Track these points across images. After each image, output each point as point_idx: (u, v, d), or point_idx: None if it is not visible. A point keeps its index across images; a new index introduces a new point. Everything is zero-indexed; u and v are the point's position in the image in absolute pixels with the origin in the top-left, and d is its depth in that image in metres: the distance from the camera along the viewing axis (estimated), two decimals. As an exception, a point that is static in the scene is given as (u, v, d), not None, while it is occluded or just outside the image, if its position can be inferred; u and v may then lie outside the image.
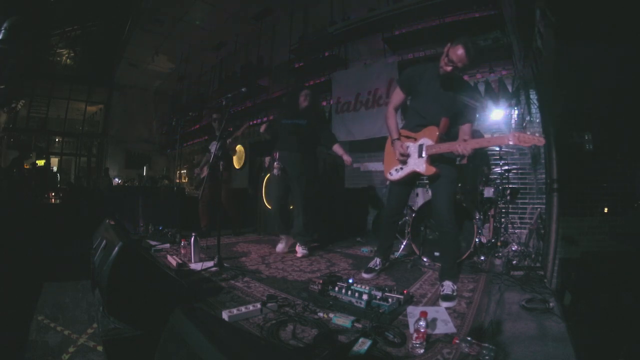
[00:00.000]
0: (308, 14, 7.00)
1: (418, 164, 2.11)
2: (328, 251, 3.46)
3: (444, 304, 1.88)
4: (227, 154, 3.75)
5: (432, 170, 2.06)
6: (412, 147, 2.15)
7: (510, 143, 1.78)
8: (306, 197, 3.10)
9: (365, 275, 2.44)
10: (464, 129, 2.09)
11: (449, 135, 2.12)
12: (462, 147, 1.91)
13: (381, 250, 2.55)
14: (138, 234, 4.15)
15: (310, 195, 3.16)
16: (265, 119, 7.50)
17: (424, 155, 2.08)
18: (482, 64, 4.61)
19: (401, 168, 2.20)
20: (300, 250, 3.13)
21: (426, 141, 2.09)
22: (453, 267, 2.19)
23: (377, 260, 2.53)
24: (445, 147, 2.01)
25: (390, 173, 2.26)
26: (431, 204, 2.30)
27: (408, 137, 2.18)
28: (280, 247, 3.31)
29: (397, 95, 2.23)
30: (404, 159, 2.15)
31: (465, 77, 2.00)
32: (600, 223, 2.31)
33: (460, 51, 1.87)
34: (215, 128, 4.21)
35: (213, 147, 4.03)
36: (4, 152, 11.06)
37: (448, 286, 2.02)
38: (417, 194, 3.44)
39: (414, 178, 2.26)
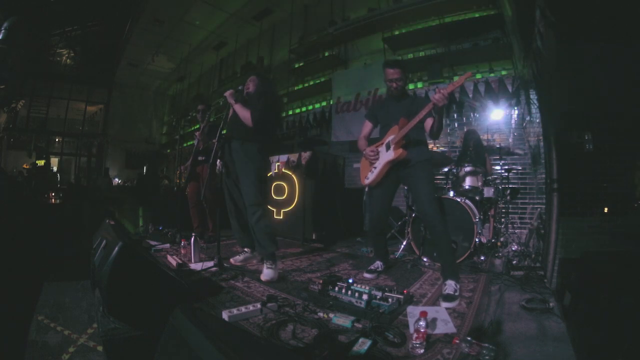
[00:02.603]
0: (308, 14, 7.00)
1: (387, 156, 2.28)
2: (328, 251, 3.46)
3: (445, 304, 1.87)
4: (209, 148, 3.40)
5: (399, 151, 2.20)
6: (382, 147, 2.35)
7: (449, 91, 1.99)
8: (257, 197, 2.42)
9: (367, 275, 2.48)
10: (428, 121, 2.26)
11: (416, 134, 2.29)
12: (438, 96, 1.94)
13: (378, 255, 2.61)
14: (138, 234, 4.15)
15: (262, 195, 2.50)
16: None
17: (391, 146, 2.26)
18: (482, 63, 4.62)
19: (375, 168, 2.36)
20: (264, 271, 2.33)
21: (390, 137, 2.29)
22: (452, 264, 2.20)
23: (378, 263, 2.59)
24: (409, 125, 2.16)
25: (366, 178, 2.41)
26: (415, 203, 2.46)
27: (377, 146, 2.39)
28: (238, 258, 2.77)
29: (366, 127, 2.56)
30: (373, 156, 2.35)
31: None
32: (600, 223, 2.31)
33: (388, 70, 2.29)
34: (199, 120, 3.88)
35: (196, 141, 3.73)
36: (4, 152, 11.07)
37: (450, 285, 2.04)
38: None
39: (390, 176, 2.33)
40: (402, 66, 2.33)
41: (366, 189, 2.46)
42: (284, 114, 6.57)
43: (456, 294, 1.98)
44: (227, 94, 2.58)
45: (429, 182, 2.28)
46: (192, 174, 3.71)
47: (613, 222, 2.29)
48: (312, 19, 6.89)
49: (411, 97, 2.49)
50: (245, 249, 2.82)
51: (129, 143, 13.21)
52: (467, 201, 2.96)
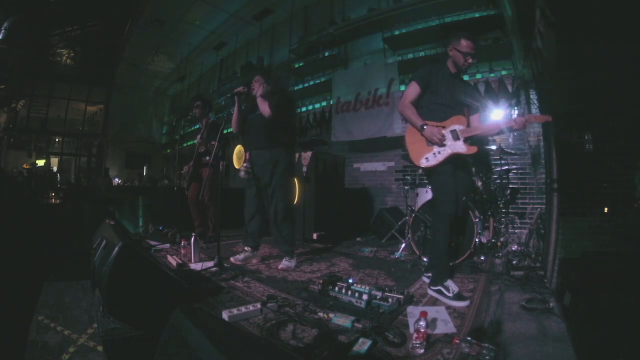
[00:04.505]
0: (308, 14, 7.00)
1: (457, 147, 2.11)
2: (328, 251, 3.46)
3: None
4: (210, 148, 3.44)
5: (474, 149, 2.11)
6: (446, 134, 2.14)
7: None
8: (284, 201, 2.66)
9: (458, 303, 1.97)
10: (475, 118, 2.27)
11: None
12: (520, 121, 2.01)
13: (447, 263, 2.23)
14: (138, 234, 4.15)
15: (289, 200, 2.71)
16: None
17: (460, 138, 2.12)
18: (482, 63, 4.61)
19: (439, 152, 2.12)
20: (283, 262, 2.69)
21: (457, 127, 2.14)
22: None
23: (451, 283, 2.06)
24: (480, 129, 2.14)
25: (426, 158, 2.14)
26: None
27: (434, 126, 2.15)
28: (238, 257, 2.81)
29: (414, 90, 2.23)
30: (442, 141, 2.10)
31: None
32: (600, 223, 2.31)
33: (465, 42, 2.11)
34: (197, 116, 3.84)
35: (198, 141, 3.69)
36: (4, 152, 11.07)
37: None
38: (417, 194, 3.44)
39: (451, 163, 2.16)
40: (477, 43, 2.20)
41: (419, 170, 2.42)
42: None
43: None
44: (255, 86, 2.65)
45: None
46: (195, 175, 3.70)
47: (613, 222, 2.29)
48: (312, 19, 6.89)
49: (464, 80, 2.34)
50: (246, 248, 2.84)
51: (129, 143, 13.21)
52: (467, 201, 2.96)
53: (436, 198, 2.28)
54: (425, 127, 2.12)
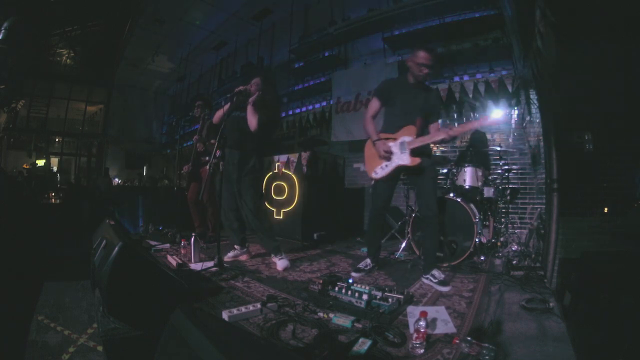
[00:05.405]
0: (308, 14, 7.00)
1: (402, 158, 2.31)
2: (328, 251, 3.46)
3: (445, 289, 2.13)
4: (209, 149, 3.46)
5: (417, 161, 2.26)
6: (394, 145, 2.33)
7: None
8: (254, 201, 2.69)
9: (354, 274, 2.47)
10: (435, 126, 2.40)
11: (423, 133, 2.34)
12: (450, 134, 2.19)
13: (372, 251, 2.62)
14: (138, 234, 4.15)
15: (257, 199, 2.76)
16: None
17: (406, 149, 2.28)
18: (482, 63, 4.62)
19: (386, 165, 2.36)
20: (277, 262, 2.65)
21: (406, 138, 2.31)
22: (436, 257, 2.46)
23: (368, 261, 2.59)
24: (426, 139, 2.26)
25: (375, 172, 2.40)
26: (419, 199, 2.48)
27: (387, 138, 2.36)
28: (229, 254, 2.91)
29: (374, 105, 2.47)
30: (387, 155, 2.32)
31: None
32: (600, 223, 2.31)
33: (422, 53, 2.24)
34: (197, 116, 3.81)
35: (195, 141, 3.67)
36: (4, 152, 11.07)
37: (439, 274, 2.27)
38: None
39: (397, 174, 2.42)
40: (436, 55, 2.33)
41: (372, 182, 2.51)
42: (283, 114, 6.57)
43: (447, 279, 2.27)
44: (249, 87, 2.64)
45: (435, 183, 2.47)
46: (194, 175, 3.70)
47: (613, 222, 2.28)
48: (312, 19, 6.89)
49: (426, 88, 2.45)
50: (235, 246, 2.94)
51: (129, 143, 13.21)
52: (467, 201, 2.96)
53: (372, 200, 2.60)
54: (376, 143, 2.34)
